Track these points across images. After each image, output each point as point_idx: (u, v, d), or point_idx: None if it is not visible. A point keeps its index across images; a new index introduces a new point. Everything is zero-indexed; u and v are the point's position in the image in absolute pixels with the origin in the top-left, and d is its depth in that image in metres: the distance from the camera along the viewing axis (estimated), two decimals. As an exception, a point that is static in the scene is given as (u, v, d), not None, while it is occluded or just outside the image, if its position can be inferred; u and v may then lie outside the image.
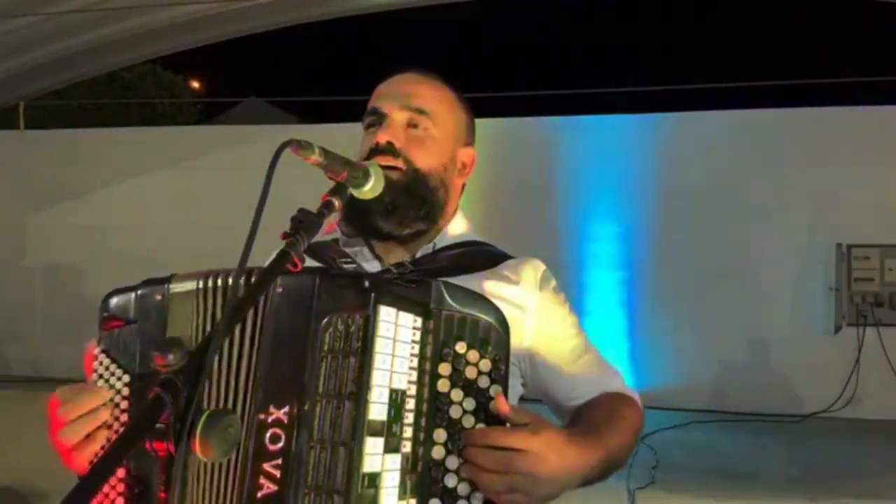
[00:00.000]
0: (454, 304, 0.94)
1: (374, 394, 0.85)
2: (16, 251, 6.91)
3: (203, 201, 6.28)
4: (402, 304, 0.90)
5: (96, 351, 0.99)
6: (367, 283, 0.88)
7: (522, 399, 1.21)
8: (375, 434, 0.85)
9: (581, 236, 5.79)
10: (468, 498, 0.90)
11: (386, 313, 0.87)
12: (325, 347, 0.85)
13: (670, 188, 5.69)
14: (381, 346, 0.86)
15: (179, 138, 7.15)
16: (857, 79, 6.16)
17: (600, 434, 1.03)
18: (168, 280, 0.98)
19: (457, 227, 1.26)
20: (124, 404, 0.95)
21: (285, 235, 0.88)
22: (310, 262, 1.13)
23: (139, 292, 0.99)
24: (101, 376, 0.98)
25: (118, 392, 0.96)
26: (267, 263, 0.92)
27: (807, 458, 4.41)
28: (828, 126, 5.55)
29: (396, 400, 0.88)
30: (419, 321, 0.92)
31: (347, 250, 1.21)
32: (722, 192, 5.59)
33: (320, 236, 0.96)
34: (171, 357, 0.69)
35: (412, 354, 0.91)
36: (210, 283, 0.94)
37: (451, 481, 0.89)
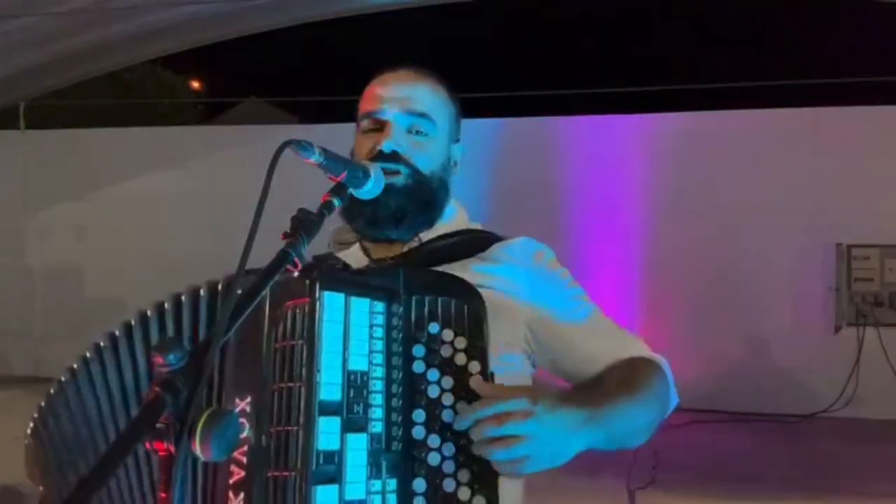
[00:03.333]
0: (423, 288, 0.97)
1: (325, 375, 0.87)
2: (16, 251, 6.91)
3: (203, 201, 6.27)
4: (353, 289, 0.92)
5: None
6: (314, 274, 0.91)
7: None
8: (330, 414, 0.87)
9: (581, 236, 5.78)
10: (454, 476, 0.90)
11: (331, 298, 0.90)
12: (278, 337, 0.90)
13: (670, 188, 5.69)
14: (329, 329, 0.89)
15: (179, 138, 7.15)
16: (856, 79, 6.17)
17: (603, 387, 1.02)
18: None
19: (447, 218, 1.25)
20: None
21: (285, 235, 0.89)
22: None
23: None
24: None
25: None
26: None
27: (807, 458, 4.41)
28: (828, 126, 5.55)
29: (356, 382, 0.90)
30: (379, 305, 0.94)
31: (339, 255, 1.21)
32: (722, 192, 5.59)
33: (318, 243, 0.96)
34: (170, 357, 0.69)
35: (375, 338, 0.93)
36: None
37: (434, 459, 0.91)
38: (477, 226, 1.28)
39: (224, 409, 0.70)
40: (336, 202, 0.99)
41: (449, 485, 0.89)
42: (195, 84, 19.62)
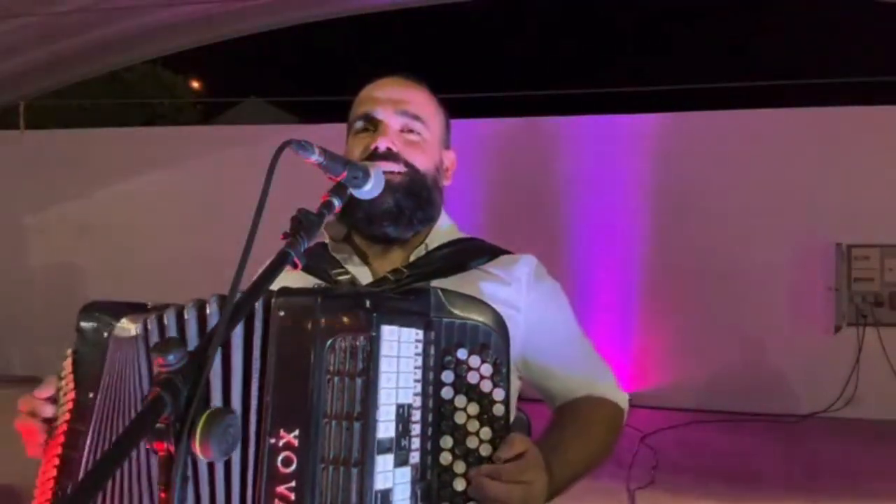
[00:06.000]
0: (453, 311, 0.96)
1: (382, 413, 0.86)
2: (16, 251, 6.91)
3: (203, 201, 6.27)
4: (403, 319, 0.91)
5: (69, 350, 1.04)
6: (368, 303, 0.88)
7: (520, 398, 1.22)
8: (385, 451, 0.86)
9: (580, 236, 5.78)
10: (476, 501, 0.92)
11: (388, 332, 0.88)
12: (331, 369, 0.86)
13: (670, 188, 5.69)
14: (385, 365, 0.87)
15: (179, 138, 7.14)
16: (857, 79, 6.16)
17: (567, 457, 1.08)
18: (118, 315, 1.00)
19: (444, 225, 1.27)
20: (67, 416, 1.00)
21: (285, 235, 0.89)
22: (303, 276, 1.14)
23: (97, 319, 1.03)
24: (62, 377, 1.04)
25: (65, 404, 1.02)
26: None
27: (807, 458, 4.41)
28: (828, 126, 5.55)
29: (403, 415, 0.89)
30: (421, 333, 0.93)
31: (337, 257, 1.21)
32: (721, 192, 5.59)
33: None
34: (170, 357, 0.69)
35: (416, 367, 0.92)
36: (149, 327, 0.94)
37: (459, 485, 0.91)
38: (462, 234, 1.29)
39: (224, 408, 0.69)
40: (336, 202, 0.99)
41: None
42: (195, 84, 19.60)
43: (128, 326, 0.98)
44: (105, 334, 1.00)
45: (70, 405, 1.00)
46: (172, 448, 0.67)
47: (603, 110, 6.38)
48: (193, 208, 6.34)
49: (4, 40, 5.52)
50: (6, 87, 6.42)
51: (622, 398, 1.24)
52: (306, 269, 1.14)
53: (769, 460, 4.40)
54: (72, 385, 1.02)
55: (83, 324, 1.04)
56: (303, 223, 0.90)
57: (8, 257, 6.88)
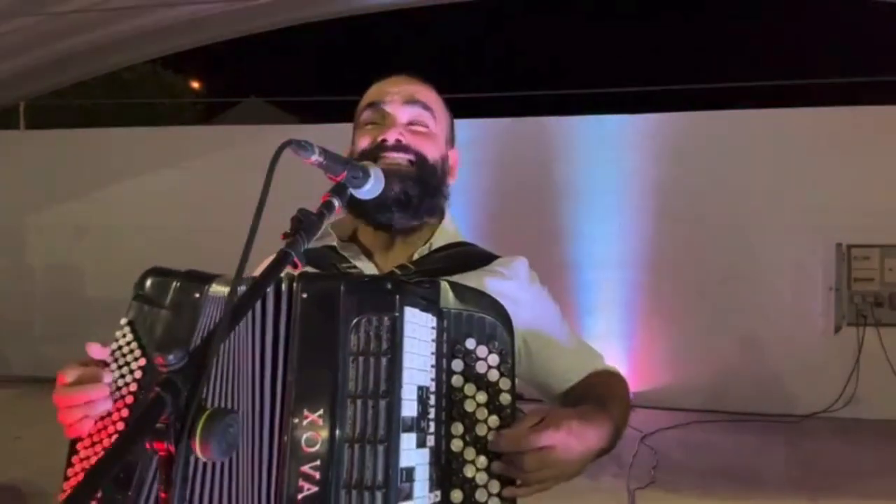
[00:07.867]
0: (462, 303, 0.99)
1: (406, 391, 0.88)
2: (16, 251, 6.91)
3: (203, 201, 6.27)
4: (421, 304, 0.94)
5: (124, 321, 1.00)
6: (389, 286, 0.91)
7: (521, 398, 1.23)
8: (408, 430, 0.88)
9: (581, 236, 5.78)
10: (486, 487, 0.94)
11: (411, 314, 0.91)
12: (355, 349, 0.88)
13: (670, 188, 5.69)
14: (408, 345, 0.90)
15: (179, 138, 7.15)
16: (857, 79, 6.17)
17: (606, 408, 1.09)
18: (211, 280, 0.99)
19: (449, 226, 1.29)
20: (133, 387, 0.96)
21: (285, 235, 0.89)
22: (310, 271, 1.14)
23: (179, 283, 1.00)
24: (119, 348, 0.98)
25: (131, 372, 0.96)
26: (262, 267, 0.92)
27: (807, 458, 4.42)
28: (828, 126, 5.55)
29: (422, 396, 0.92)
30: (435, 321, 0.96)
31: (345, 255, 1.22)
32: (722, 192, 5.60)
33: (316, 241, 0.96)
34: (171, 357, 0.69)
35: (431, 353, 0.95)
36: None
37: (469, 471, 0.94)
38: (463, 238, 1.31)
39: (224, 408, 0.69)
40: (336, 202, 0.99)
41: (481, 495, 0.93)
42: (195, 84, 19.60)
43: (225, 288, 0.97)
44: (197, 295, 0.98)
45: (139, 373, 0.96)
46: (172, 448, 0.67)
47: (603, 110, 6.39)
48: (193, 208, 6.34)
49: (4, 40, 5.52)
50: (6, 87, 6.42)
51: (619, 370, 1.29)
52: (312, 265, 1.15)
53: (769, 460, 4.41)
54: (139, 352, 0.97)
55: (155, 288, 1.00)
56: (303, 223, 0.90)
57: (8, 257, 6.88)
